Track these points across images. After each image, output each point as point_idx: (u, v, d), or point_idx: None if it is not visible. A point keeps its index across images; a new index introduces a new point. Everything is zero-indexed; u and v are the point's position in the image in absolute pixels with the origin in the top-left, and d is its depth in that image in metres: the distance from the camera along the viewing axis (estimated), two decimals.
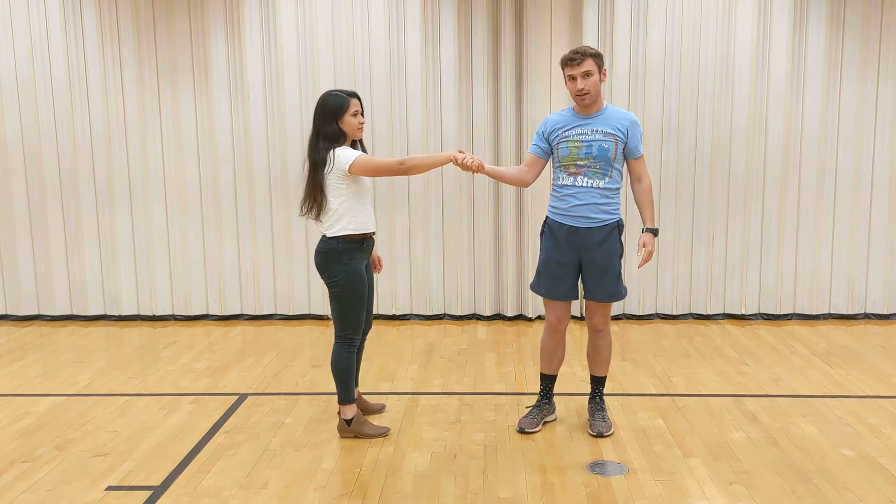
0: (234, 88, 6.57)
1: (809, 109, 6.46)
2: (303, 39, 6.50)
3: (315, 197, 3.96)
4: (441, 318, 6.81)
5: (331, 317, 4.22)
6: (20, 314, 6.90)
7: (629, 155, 4.06)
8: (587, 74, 3.94)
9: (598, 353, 4.26)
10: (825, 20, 6.36)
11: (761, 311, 6.71)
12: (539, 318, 6.72)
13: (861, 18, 6.35)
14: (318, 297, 6.81)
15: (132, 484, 3.62)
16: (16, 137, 6.65)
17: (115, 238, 6.78)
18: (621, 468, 3.73)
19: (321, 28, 6.47)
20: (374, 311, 4.52)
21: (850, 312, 6.70)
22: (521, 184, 4.28)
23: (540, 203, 6.49)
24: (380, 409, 4.51)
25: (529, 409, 4.34)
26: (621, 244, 4.10)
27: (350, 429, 4.12)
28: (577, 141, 4.01)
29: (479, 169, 3.99)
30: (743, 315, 6.70)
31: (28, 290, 6.86)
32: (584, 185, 4.02)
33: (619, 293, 4.13)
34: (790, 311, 6.70)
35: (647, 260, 4.09)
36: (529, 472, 3.71)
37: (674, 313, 6.73)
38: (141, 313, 6.88)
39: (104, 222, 6.77)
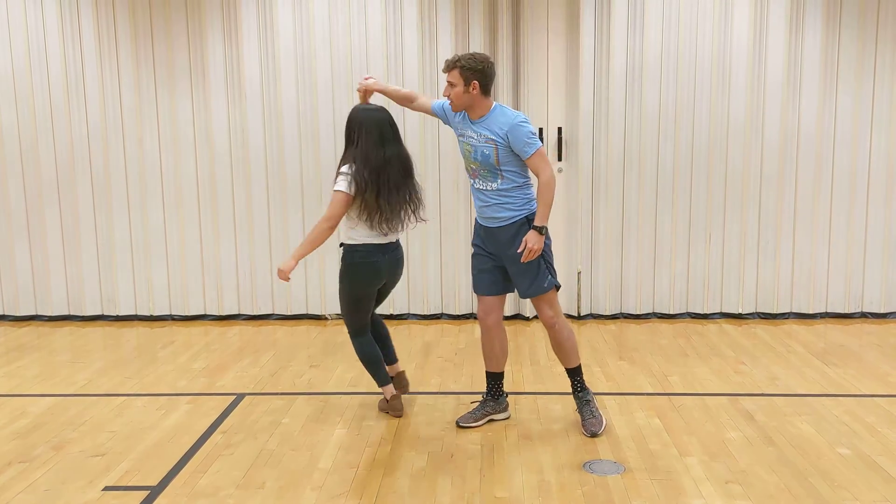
0: (232, 88, 6.57)
1: (806, 109, 6.47)
2: (300, 39, 6.49)
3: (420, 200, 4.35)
4: (438, 318, 6.81)
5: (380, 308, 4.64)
6: (17, 314, 6.89)
7: (520, 157, 3.98)
8: (450, 84, 3.98)
9: (560, 347, 4.23)
10: (821, 19, 6.37)
11: (758, 311, 6.72)
12: (535, 317, 6.73)
13: (857, 18, 6.36)
14: (315, 297, 6.81)
15: (129, 484, 3.63)
16: (13, 137, 6.65)
17: (113, 238, 6.77)
18: (617, 467, 3.74)
19: (318, 28, 6.47)
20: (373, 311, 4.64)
21: (846, 311, 6.70)
22: (404, 102, 4.45)
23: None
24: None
25: (474, 405, 4.38)
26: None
27: (389, 404, 4.46)
28: (467, 144, 4.06)
29: (369, 87, 4.26)
30: (740, 314, 6.71)
31: (25, 291, 6.86)
32: (481, 187, 4.08)
33: (540, 287, 4.08)
34: (787, 311, 6.71)
35: (527, 256, 3.94)
36: (526, 471, 3.72)
37: (671, 312, 6.74)
38: (138, 313, 6.88)
39: (101, 222, 6.76)
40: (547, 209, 3.96)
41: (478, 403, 4.38)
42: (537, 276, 4.07)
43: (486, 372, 4.36)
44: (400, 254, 4.39)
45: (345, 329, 6.57)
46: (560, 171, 6.60)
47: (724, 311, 6.73)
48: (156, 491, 3.56)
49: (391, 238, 4.30)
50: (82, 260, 6.80)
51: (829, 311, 6.71)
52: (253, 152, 6.64)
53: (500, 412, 4.36)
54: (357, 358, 4.50)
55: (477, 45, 6.43)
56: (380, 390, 4.51)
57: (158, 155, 6.68)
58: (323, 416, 4.48)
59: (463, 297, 6.78)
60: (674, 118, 6.49)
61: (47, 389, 5.03)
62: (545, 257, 4.07)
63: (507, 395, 4.42)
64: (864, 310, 6.70)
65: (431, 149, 6.56)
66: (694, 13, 6.37)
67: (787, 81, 6.43)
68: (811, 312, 6.69)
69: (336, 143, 6.60)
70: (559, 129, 6.57)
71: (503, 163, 3.97)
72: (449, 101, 4.04)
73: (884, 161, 6.52)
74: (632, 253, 6.65)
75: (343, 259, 4.30)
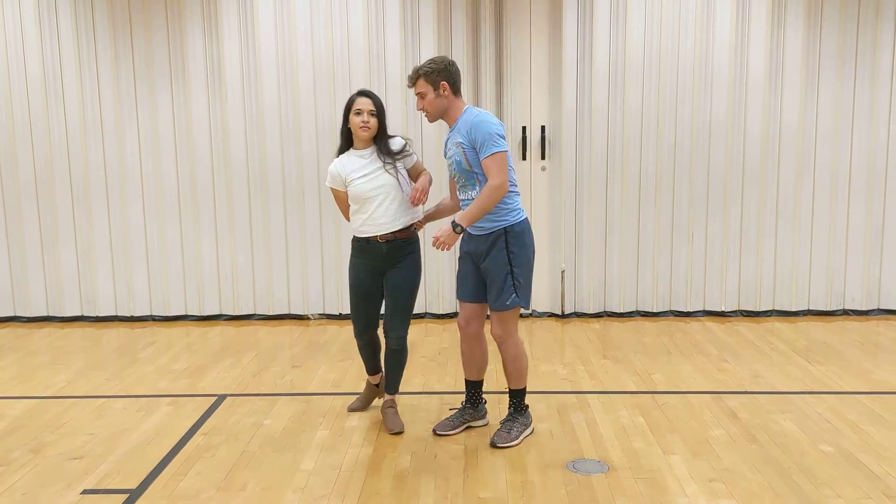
0: (212, 86, 6.51)
1: (788, 107, 6.49)
2: (281, 37, 6.45)
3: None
4: (422, 317, 6.79)
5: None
6: None
7: (481, 156, 3.81)
8: (421, 95, 3.93)
9: (504, 366, 4.14)
10: (803, 19, 6.39)
11: (741, 308, 6.74)
12: (520, 316, 6.72)
13: (838, 16, 6.39)
14: (297, 297, 6.77)
15: (108, 487, 3.58)
16: None
17: (92, 238, 6.70)
18: (601, 466, 3.73)
19: (300, 25, 6.43)
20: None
21: (828, 309, 6.74)
22: (458, 208, 4.19)
23: (524, 202, 6.47)
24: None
25: (452, 412, 4.32)
26: (510, 252, 3.89)
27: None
28: (449, 159, 4.00)
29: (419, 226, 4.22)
30: (723, 312, 6.73)
31: (3, 292, 6.77)
32: (465, 197, 3.98)
33: (503, 303, 3.93)
34: (770, 308, 6.74)
35: (436, 245, 3.78)
36: (509, 471, 3.70)
37: (654, 310, 6.75)
38: (118, 314, 6.81)
39: (81, 222, 6.69)
40: (476, 212, 3.77)
41: (456, 411, 4.31)
42: (502, 292, 3.93)
43: (465, 380, 4.30)
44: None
45: (327, 329, 6.54)
46: (543, 169, 6.60)
47: (708, 309, 6.74)
48: (135, 494, 3.51)
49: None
50: (61, 260, 6.72)
51: (811, 308, 6.74)
52: (234, 151, 6.59)
53: (478, 419, 4.29)
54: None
55: (459, 44, 6.42)
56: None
57: (138, 154, 6.61)
58: (305, 417, 4.45)
59: (446, 297, 6.76)
60: (656, 117, 6.50)
61: (25, 391, 4.97)
62: (515, 275, 3.92)
63: (485, 402, 4.36)
64: (847, 307, 6.74)
65: (418, 147, 6.52)
66: (676, 12, 6.38)
67: (769, 80, 6.45)
68: (794, 310, 6.72)
69: (318, 141, 6.56)
70: (542, 128, 6.56)
71: (474, 165, 3.85)
72: (424, 112, 3.97)
73: (865, 158, 6.55)
74: (615, 251, 6.65)
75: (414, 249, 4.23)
